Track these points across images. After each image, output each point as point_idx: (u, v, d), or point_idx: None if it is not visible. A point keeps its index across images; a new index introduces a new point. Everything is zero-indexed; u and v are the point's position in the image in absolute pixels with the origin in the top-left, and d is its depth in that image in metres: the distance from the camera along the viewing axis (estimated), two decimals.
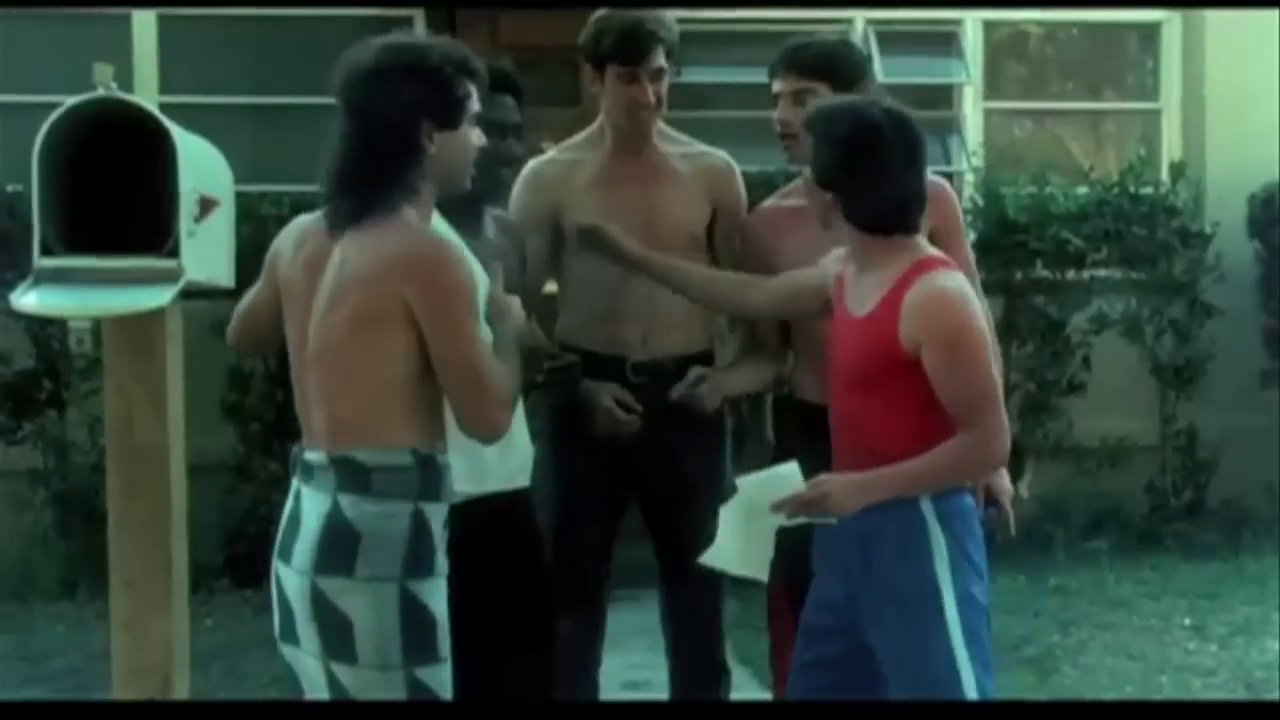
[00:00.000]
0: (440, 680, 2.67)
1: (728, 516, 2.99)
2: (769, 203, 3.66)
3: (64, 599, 6.14)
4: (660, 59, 3.56)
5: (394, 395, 2.66)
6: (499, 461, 3.15)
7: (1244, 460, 7.08)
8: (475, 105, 2.82)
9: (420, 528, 2.65)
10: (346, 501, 2.63)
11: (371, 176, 2.68)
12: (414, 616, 2.62)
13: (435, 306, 2.62)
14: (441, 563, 2.70)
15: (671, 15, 3.63)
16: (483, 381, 2.66)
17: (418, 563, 2.63)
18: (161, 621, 2.26)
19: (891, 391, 2.95)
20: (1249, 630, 5.68)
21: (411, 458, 2.66)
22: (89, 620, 5.62)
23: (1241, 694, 4.96)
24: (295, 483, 2.73)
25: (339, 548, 2.60)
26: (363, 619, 2.60)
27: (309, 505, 2.67)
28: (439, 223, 3.03)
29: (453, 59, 2.79)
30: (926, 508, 2.98)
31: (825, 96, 3.36)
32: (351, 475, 2.64)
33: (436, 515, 2.71)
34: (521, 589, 3.29)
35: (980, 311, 3.03)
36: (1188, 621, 5.84)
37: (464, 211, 3.21)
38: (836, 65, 3.45)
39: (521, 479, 3.28)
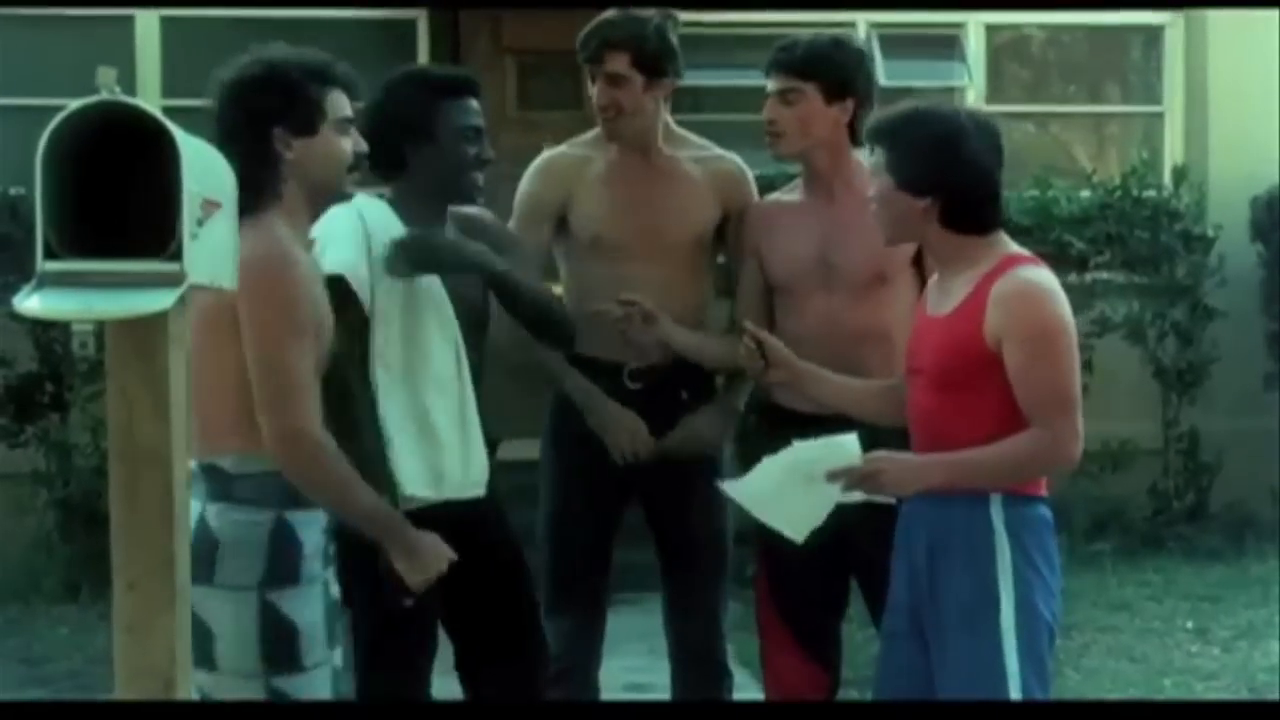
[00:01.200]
0: (305, 689, 2.66)
1: (770, 467, 2.97)
2: (767, 198, 3.69)
3: (66, 602, 6.15)
4: (617, 63, 3.51)
5: (247, 401, 2.64)
6: (459, 468, 3.13)
7: (1247, 463, 7.09)
8: (338, 111, 2.82)
9: (283, 535, 2.64)
10: (212, 510, 2.65)
11: (238, 185, 2.62)
12: (273, 626, 2.62)
13: (247, 308, 2.60)
14: (310, 570, 2.67)
15: (659, 17, 3.57)
16: (278, 394, 2.61)
17: (279, 571, 2.63)
18: (164, 623, 2.25)
19: (972, 391, 2.88)
20: (1252, 633, 5.68)
21: (271, 465, 2.65)
22: (91, 623, 5.63)
23: (1244, 697, 4.96)
24: None
25: (200, 556, 2.54)
26: (221, 627, 2.61)
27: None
28: (392, 226, 3.06)
29: (307, 66, 2.83)
30: (996, 516, 2.92)
31: (812, 98, 3.40)
32: (216, 483, 2.66)
33: (306, 523, 2.68)
34: (489, 596, 3.25)
35: (1067, 309, 2.94)
36: (1190, 625, 5.84)
37: (428, 213, 3.21)
38: (824, 66, 3.43)
39: (478, 490, 3.20)
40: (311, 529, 2.70)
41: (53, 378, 6.48)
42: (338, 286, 3.00)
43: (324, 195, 2.85)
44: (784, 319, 3.49)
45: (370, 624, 3.09)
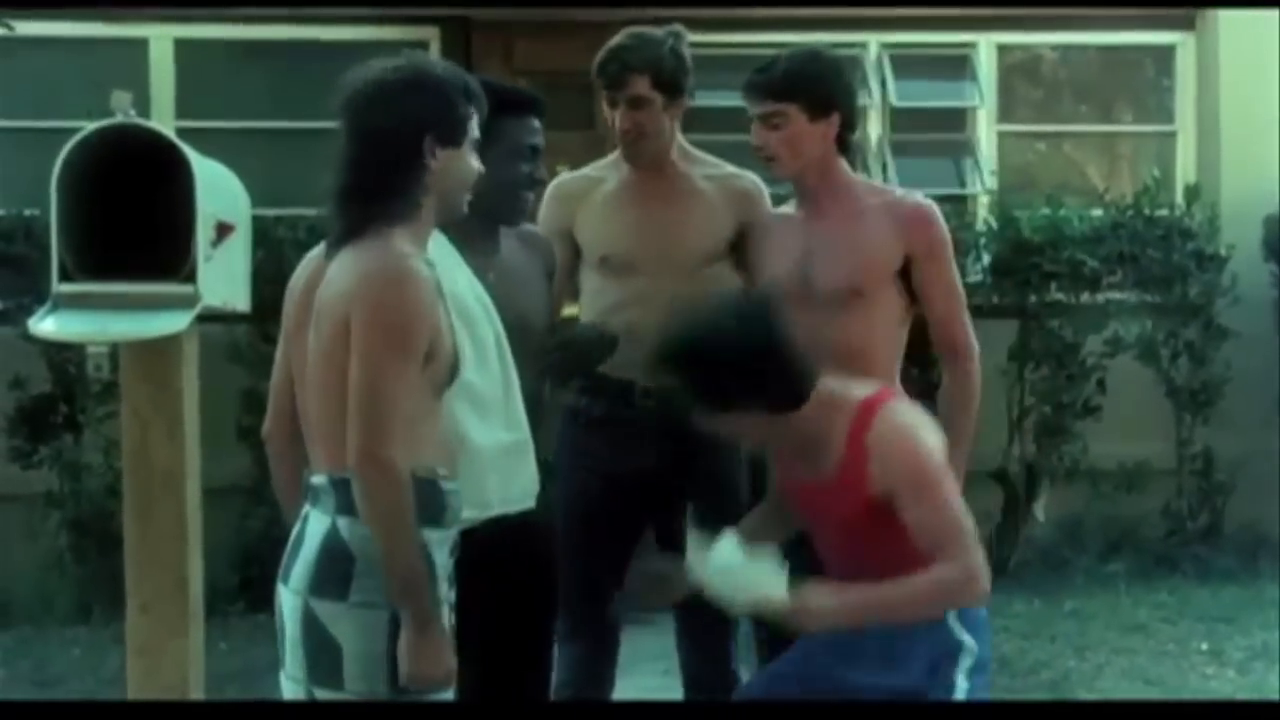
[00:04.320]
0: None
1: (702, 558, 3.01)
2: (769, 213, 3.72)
3: (79, 623, 6.14)
4: (639, 86, 3.53)
5: (383, 404, 2.58)
6: (503, 485, 3.10)
7: (1261, 484, 7.05)
8: (475, 130, 2.81)
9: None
10: (344, 523, 2.61)
11: (373, 193, 2.66)
12: (392, 643, 2.58)
13: (361, 322, 2.57)
14: (438, 592, 2.64)
15: (671, 38, 3.59)
16: (372, 416, 2.54)
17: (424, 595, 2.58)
18: (177, 645, 2.26)
19: (882, 533, 2.95)
20: (1267, 655, 5.64)
21: (409, 478, 2.60)
22: (104, 644, 5.62)
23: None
24: (305, 506, 2.73)
25: (334, 571, 2.58)
26: (352, 645, 2.58)
27: (312, 526, 2.66)
28: (440, 244, 3.02)
29: (456, 79, 2.80)
30: (954, 622, 3.02)
31: (796, 118, 3.38)
32: (348, 497, 2.61)
33: (439, 543, 2.67)
34: (526, 615, 3.27)
35: (935, 436, 3.02)
36: (1205, 646, 5.81)
37: (481, 234, 3.21)
38: (804, 84, 3.41)
39: (526, 502, 3.19)
40: (442, 550, 2.68)
41: (66, 399, 6.49)
42: None
43: (448, 213, 2.82)
44: None
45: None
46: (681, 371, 2.97)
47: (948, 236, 3.58)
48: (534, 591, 3.31)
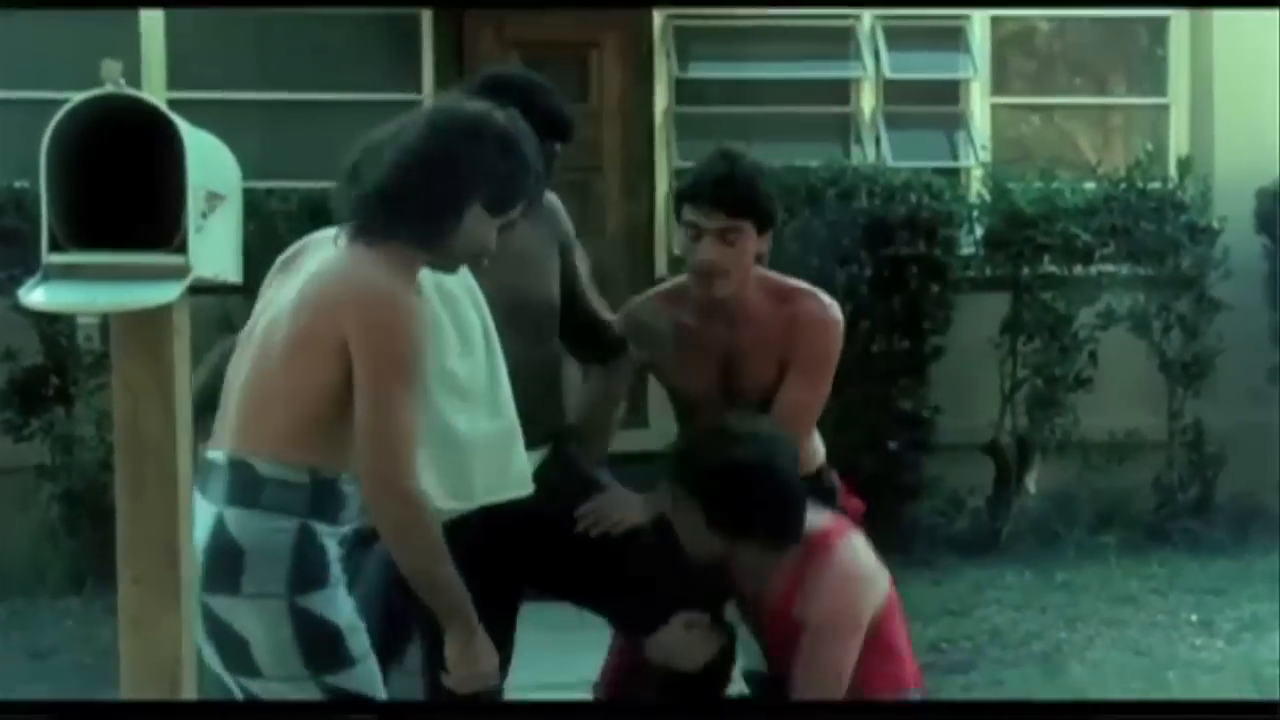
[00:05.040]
0: (359, 682, 2.62)
1: None
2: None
3: (72, 595, 6.15)
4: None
5: (311, 415, 2.59)
6: (491, 472, 3.05)
7: (1252, 456, 7.07)
8: (516, 212, 2.78)
9: (308, 541, 2.58)
10: (232, 515, 2.58)
11: (402, 214, 2.62)
12: (311, 629, 2.57)
13: (364, 353, 2.54)
14: (335, 573, 2.62)
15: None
16: (390, 450, 2.55)
17: (306, 575, 2.57)
18: (170, 616, 2.26)
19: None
20: (1256, 626, 5.67)
21: (308, 476, 2.60)
22: (97, 616, 5.62)
23: (1248, 690, 4.95)
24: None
25: (223, 565, 2.55)
26: (255, 636, 2.56)
27: (199, 518, 2.57)
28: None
29: (533, 154, 2.76)
30: None
31: (749, 233, 3.26)
32: (241, 484, 2.59)
33: (329, 535, 2.63)
34: (504, 602, 3.17)
35: (870, 590, 3.11)
36: (1195, 618, 5.83)
37: None
38: (763, 203, 3.30)
39: (518, 491, 3.11)
40: (333, 540, 2.65)
41: (58, 371, 6.48)
42: None
43: (445, 266, 2.81)
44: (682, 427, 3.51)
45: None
46: (715, 487, 3.03)
47: (830, 349, 3.39)
48: (517, 580, 3.23)
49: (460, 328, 3.01)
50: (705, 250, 3.25)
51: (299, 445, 2.59)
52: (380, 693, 2.67)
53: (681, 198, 3.33)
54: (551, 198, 3.34)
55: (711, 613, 3.17)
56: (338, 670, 2.59)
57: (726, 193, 3.24)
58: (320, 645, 2.57)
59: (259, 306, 2.75)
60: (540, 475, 3.16)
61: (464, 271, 3.05)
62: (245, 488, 2.59)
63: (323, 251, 2.71)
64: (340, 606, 2.61)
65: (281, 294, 2.69)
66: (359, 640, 2.63)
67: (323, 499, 2.61)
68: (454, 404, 2.97)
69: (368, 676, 2.64)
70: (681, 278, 3.47)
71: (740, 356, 3.34)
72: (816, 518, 3.12)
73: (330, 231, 2.73)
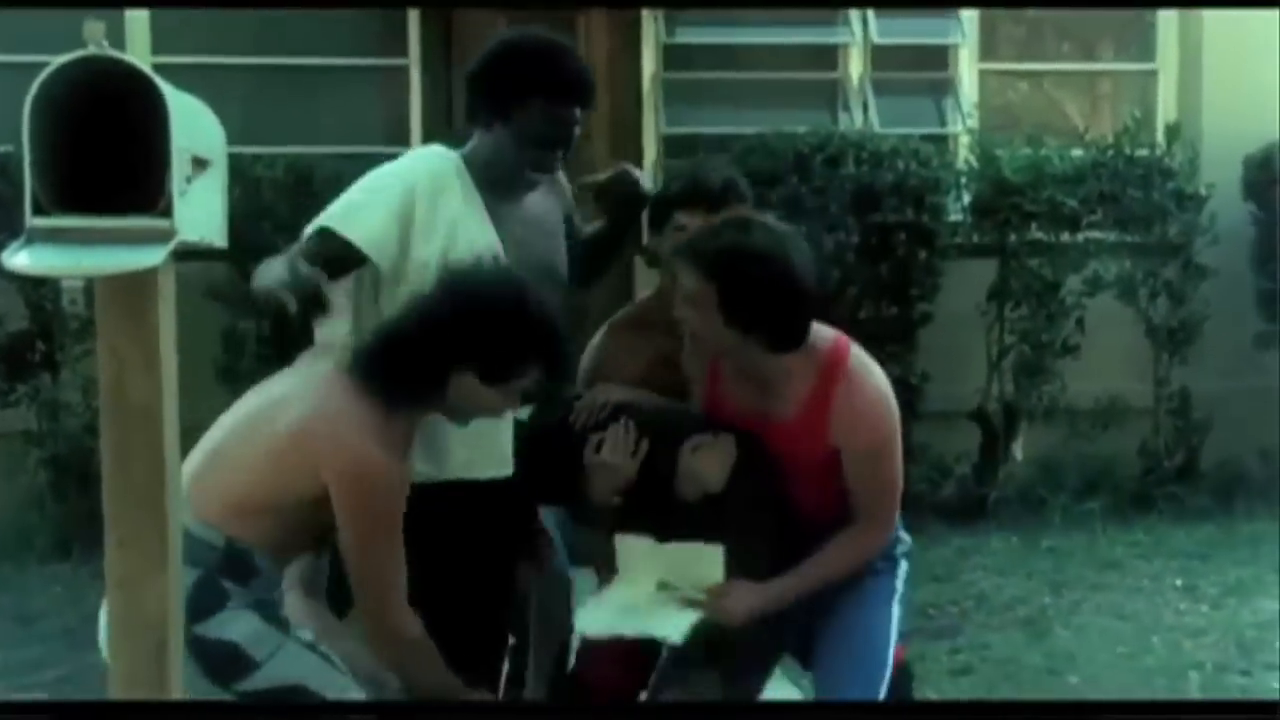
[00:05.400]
0: (269, 680, 2.74)
1: (632, 566, 3.12)
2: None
3: (59, 560, 6.15)
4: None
5: (254, 507, 2.75)
6: (466, 452, 3.09)
7: (1237, 422, 7.10)
8: (523, 381, 2.83)
9: (206, 585, 2.68)
10: None
11: (394, 375, 2.76)
12: (207, 651, 2.68)
13: (347, 508, 2.71)
14: (236, 603, 2.73)
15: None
16: (374, 598, 2.77)
17: (199, 609, 2.66)
18: (156, 579, 2.25)
19: (824, 479, 3.08)
20: (1240, 591, 5.71)
21: (223, 542, 2.73)
22: (84, 580, 5.63)
23: (1232, 654, 4.99)
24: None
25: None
26: None
27: None
28: (464, 191, 3.08)
29: (539, 324, 2.81)
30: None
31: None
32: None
33: (237, 593, 2.75)
34: (478, 582, 3.19)
35: (894, 401, 3.08)
36: (1179, 582, 5.87)
37: (506, 175, 3.17)
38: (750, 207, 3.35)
39: (498, 470, 3.16)
40: (240, 594, 2.75)
41: (43, 336, 6.46)
42: (350, 251, 3.03)
43: (447, 416, 2.91)
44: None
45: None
46: (735, 271, 2.94)
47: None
48: (489, 559, 3.21)
49: None
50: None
51: (227, 519, 2.75)
52: (297, 677, 2.76)
53: (671, 204, 3.35)
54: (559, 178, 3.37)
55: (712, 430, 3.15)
56: (242, 678, 2.72)
57: (729, 198, 3.33)
58: (220, 662, 2.70)
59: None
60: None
61: (491, 234, 3.06)
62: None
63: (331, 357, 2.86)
64: (235, 625, 2.73)
65: (295, 379, 2.89)
66: (262, 646, 2.74)
67: (234, 564, 2.74)
68: None
69: (278, 671, 2.75)
70: (640, 301, 3.53)
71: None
72: (825, 332, 3.09)
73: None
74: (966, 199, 7.17)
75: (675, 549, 3.10)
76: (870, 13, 7.62)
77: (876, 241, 6.69)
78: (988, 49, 7.94)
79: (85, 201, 2.11)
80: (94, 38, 2.09)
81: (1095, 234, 7.12)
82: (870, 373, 3.07)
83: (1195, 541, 6.47)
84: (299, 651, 2.79)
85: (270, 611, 2.80)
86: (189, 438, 2.93)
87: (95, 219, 2.12)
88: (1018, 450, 7.13)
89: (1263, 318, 7.33)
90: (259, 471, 2.77)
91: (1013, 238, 7.01)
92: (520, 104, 3.10)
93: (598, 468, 3.12)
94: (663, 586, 3.11)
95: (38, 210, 2.12)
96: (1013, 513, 6.88)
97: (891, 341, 6.77)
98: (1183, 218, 7.20)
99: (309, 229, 3.15)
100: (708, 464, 3.08)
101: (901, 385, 6.81)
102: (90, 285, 2.72)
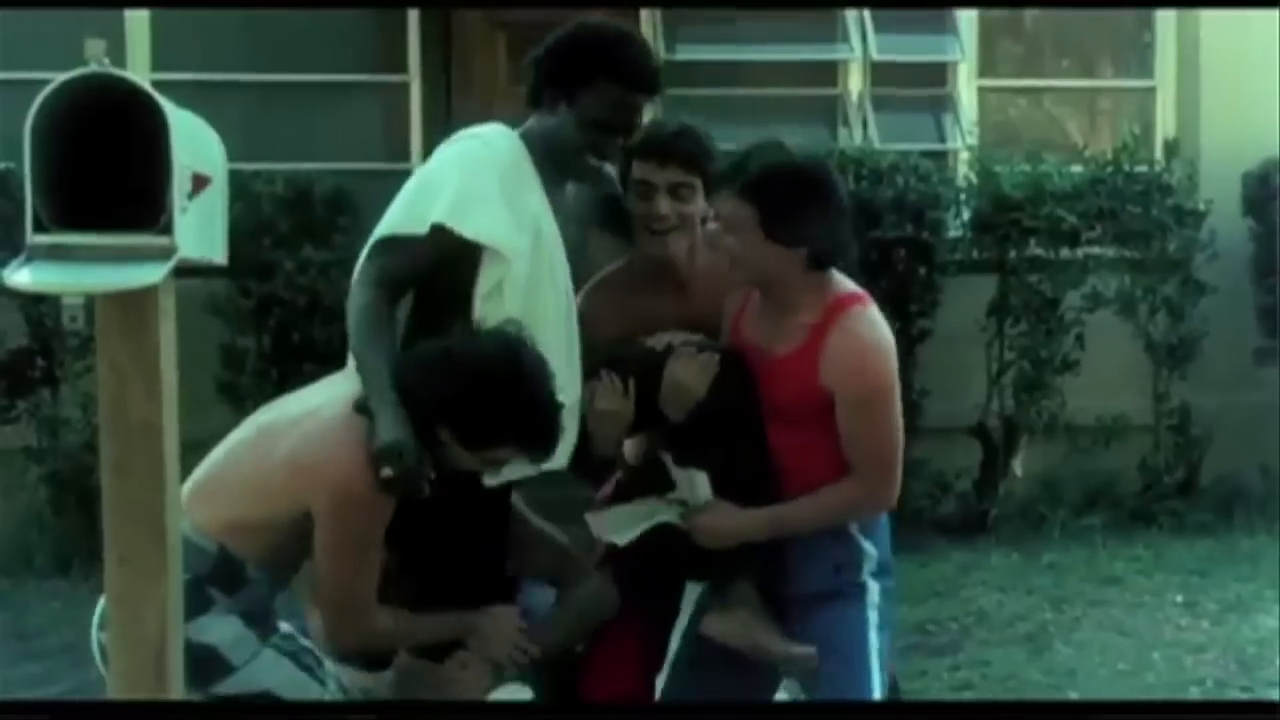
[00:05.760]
0: (244, 684, 2.82)
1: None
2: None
3: (58, 576, 6.14)
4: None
5: (247, 520, 2.84)
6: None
7: (1237, 438, 7.10)
8: (505, 453, 2.90)
9: (191, 589, 2.69)
10: None
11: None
12: (188, 654, 2.64)
13: (325, 522, 2.81)
14: (220, 607, 2.81)
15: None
16: (346, 604, 2.88)
17: (187, 610, 2.67)
18: (155, 595, 2.26)
19: (818, 428, 3.04)
20: (1241, 607, 5.70)
21: (216, 549, 2.82)
22: (84, 597, 5.58)
23: (1233, 670, 4.98)
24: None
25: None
26: None
27: None
28: (527, 183, 3.08)
29: (539, 432, 2.88)
30: (855, 531, 3.13)
31: (699, 192, 3.24)
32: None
33: (222, 605, 2.83)
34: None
35: (894, 360, 3.06)
36: (1180, 599, 5.86)
37: (567, 157, 3.16)
38: (713, 159, 3.28)
39: (558, 463, 3.13)
40: (224, 602, 2.83)
41: (44, 353, 6.46)
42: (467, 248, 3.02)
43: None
44: None
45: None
46: (781, 184, 2.98)
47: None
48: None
49: (555, 298, 3.09)
50: (658, 206, 3.24)
51: (222, 532, 2.82)
52: (269, 684, 2.84)
53: (631, 154, 3.27)
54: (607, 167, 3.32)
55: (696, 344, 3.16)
56: (216, 681, 2.80)
57: (680, 146, 3.25)
58: (197, 664, 2.72)
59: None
60: None
61: (552, 223, 3.09)
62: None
63: (344, 388, 2.94)
64: (215, 629, 2.80)
65: (305, 405, 2.97)
66: (240, 650, 2.83)
67: (225, 572, 2.82)
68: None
69: (252, 676, 2.83)
70: (618, 263, 3.46)
71: (696, 323, 3.30)
72: (840, 282, 3.11)
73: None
74: (966, 215, 7.17)
75: (672, 473, 3.14)
76: (870, 29, 7.64)
77: (876, 257, 6.70)
78: (987, 65, 7.96)
79: (86, 218, 2.12)
80: (95, 55, 2.10)
81: (1095, 250, 7.12)
82: (871, 323, 3.07)
83: (1195, 557, 6.46)
84: (275, 659, 2.86)
85: (254, 618, 2.86)
86: (188, 454, 2.94)
87: (96, 236, 2.13)
88: (1018, 466, 7.13)
89: (1262, 333, 7.33)
90: (254, 494, 2.85)
91: (1012, 254, 7.01)
92: (587, 85, 3.10)
93: (596, 417, 3.16)
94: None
95: (39, 227, 2.13)
96: (1013, 528, 6.87)
97: None
98: (1182, 233, 7.20)
99: (400, 229, 3.05)
100: (687, 373, 3.10)
101: (901, 401, 6.85)
102: (91, 302, 2.73)
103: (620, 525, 3.19)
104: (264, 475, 2.85)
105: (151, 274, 2.10)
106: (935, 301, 6.92)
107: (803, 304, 3.05)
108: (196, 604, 2.73)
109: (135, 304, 2.19)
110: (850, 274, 3.21)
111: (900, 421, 3.06)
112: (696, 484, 3.10)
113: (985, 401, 7.06)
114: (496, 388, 2.81)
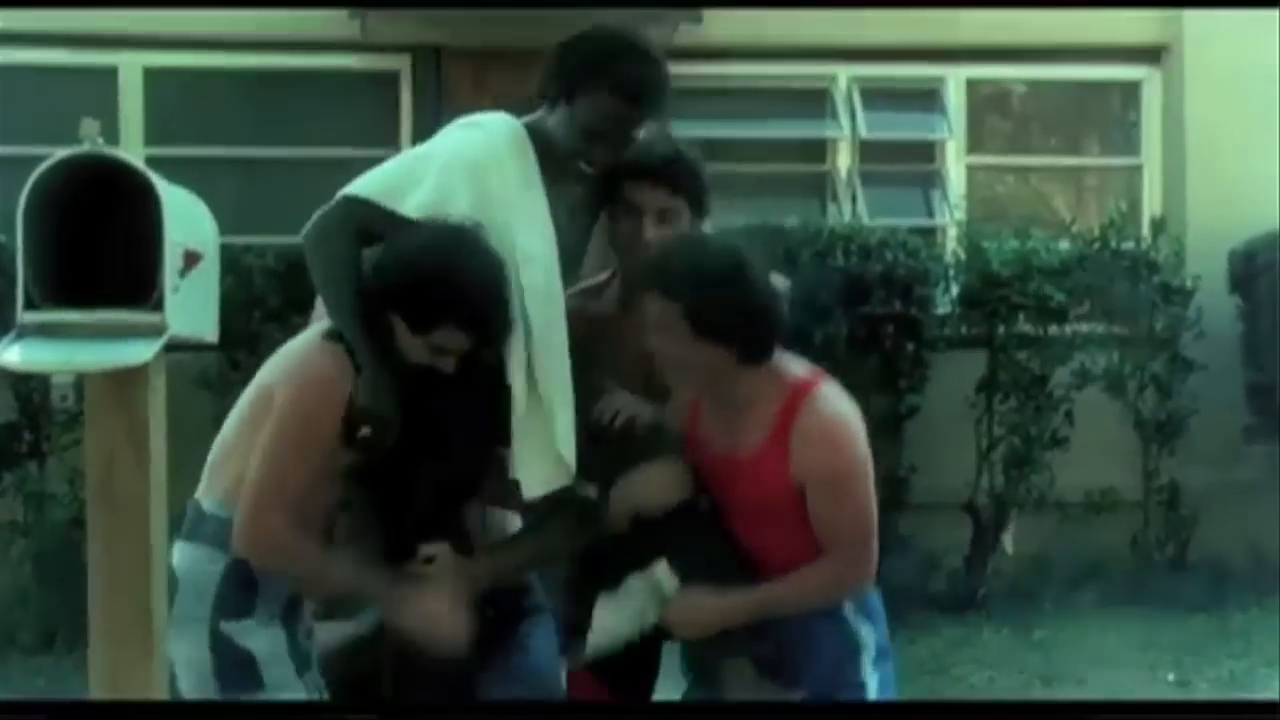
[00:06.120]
0: (270, 700, 2.74)
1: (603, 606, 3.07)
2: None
3: (43, 653, 6.09)
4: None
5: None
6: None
7: (1227, 515, 7.09)
8: (452, 341, 2.83)
9: (237, 575, 2.69)
10: (178, 549, 2.75)
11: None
12: (226, 651, 2.67)
13: (279, 409, 2.71)
14: (265, 611, 2.73)
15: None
16: (249, 497, 2.70)
17: (231, 605, 2.68)
18: (140, 674, 2.24)
19: (790, 521, 2.96)
20: (1233, 684, 5.67)
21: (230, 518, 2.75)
22: (67, 673, 5.57)
23: None
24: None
25: (170, 596, 2.74)
26: (178, 656, 2.72)
27: None
28: (529, 183, 3.02)
29: (480, 312, 2.82)
30: (850, 615, 3.03)
31: (685, 219, 3.18)
32: (193, 519, 2.75)
33: (209, 560, 2.74)
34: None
35: (864, 437, 2.98)
36: (1172, 677, 5.82)
37: (568, 150, 3.10)
38: (703, 185, 3.24)
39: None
40: (267, 579, 2.75)
41: (31, 427, 6.44)
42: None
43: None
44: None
45: None
46: (697, 284, 2.89)
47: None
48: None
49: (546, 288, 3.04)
50: (643, 229, 3.15)
51: (234, 489, 2.75)
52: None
53: (619, 175, 3.17)
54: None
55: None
56: (243, 690, 2.71)
57: (670, 172, 3.17)
58: (233, 666, 2.68)
59: None
60: None
61: (548, 246, 3.05)
62: (193, 524, 2.75)
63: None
64: (260, 639, 2.72)
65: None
66: (277, 672, 2.72)
67: (214, 529, 2.73)
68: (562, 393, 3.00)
69: (272, 698, 2.74)
70: (600, 276, 3.37)
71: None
72: (793, 365, 3.02)
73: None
74: (954, 291, 7.20)
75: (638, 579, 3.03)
76: (859, 107, 7.71)
77: (865, 333, 6.72)
78: (974, 143, 8.03)
79: (78, 295, 2.12)
80: (89, 134, 2.12)
81: (1083, 327, 7.15)
82: (835, 401, 2.98)
83: (1187, 634, 6.43)
84: (298, 691, 2.78)
85: (296, 636, 2.80)
86: (177, 529, 2.93)
87: (87, 312, 2.13)
88: (1008, 542, 7.11)
89: (1251, 411, 7.35)
90: (245, 428, 2.79)
91: (1001, 330, 7.03)
92: (586, 91, 3.04)
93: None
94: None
95: (29, 305, 2.13)
96: (1003, 605, 6.84)
97: (880, 434, 6.75)
98: (1169, 311, 7.23)
99: (376, 196, 3.00)
100: (639, 491, 3.00)
101: (890, 478, 6.87)
102: (81, 378, 2.73)
103: (609, 629, 3.07)
104: (251, 415, 2.79)
105: (143, 352, 2.11)
106: (924, 377, 6.93)
107: (758, 395, 2.97)
108: (239, 598, 2.69)
109: (125, 380, 2.19)
110: (835, 347, 3.16)
111: (874, 494, 2.98)
112: (659, 581, 3.00)
113: (975, 478, 7.05)
114: (434, 264, 2.77)
